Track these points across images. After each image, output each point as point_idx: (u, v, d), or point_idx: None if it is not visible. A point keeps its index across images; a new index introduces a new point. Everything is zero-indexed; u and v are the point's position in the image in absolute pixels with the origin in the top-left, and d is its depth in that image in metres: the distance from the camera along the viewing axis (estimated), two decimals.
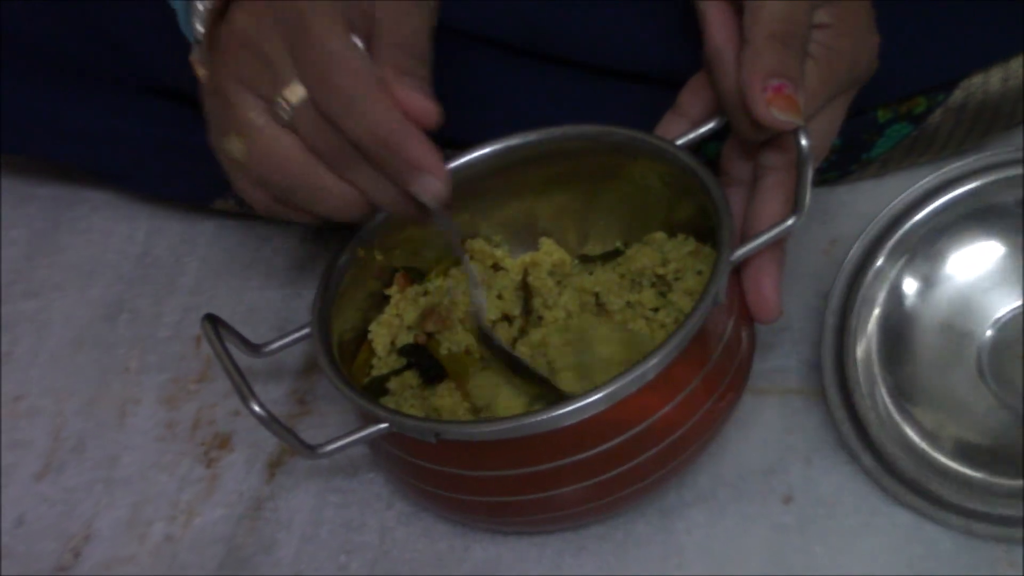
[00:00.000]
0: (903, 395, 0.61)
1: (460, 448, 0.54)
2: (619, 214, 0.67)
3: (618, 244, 0.67)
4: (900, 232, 0.63)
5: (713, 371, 0.55)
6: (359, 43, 0.53)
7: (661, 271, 0.64)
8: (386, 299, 0.66)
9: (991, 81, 0.75)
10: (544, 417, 0.52)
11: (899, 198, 0.63)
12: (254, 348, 0.61)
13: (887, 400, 0.61)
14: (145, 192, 0.84)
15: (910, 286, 0.63)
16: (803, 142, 0.57)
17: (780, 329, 0.66)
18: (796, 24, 0.58)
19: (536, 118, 0.67)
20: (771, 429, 0.63)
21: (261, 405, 0.56)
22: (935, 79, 0.73)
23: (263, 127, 0.54)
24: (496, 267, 0.69)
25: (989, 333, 0.62)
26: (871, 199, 0.73)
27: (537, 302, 0.65)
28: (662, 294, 0.63)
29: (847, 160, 0.76)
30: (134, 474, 0.63)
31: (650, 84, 0.73)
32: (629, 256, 0.65)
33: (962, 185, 0.63)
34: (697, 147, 0.67)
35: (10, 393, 0.70)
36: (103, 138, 0.79)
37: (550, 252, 0.69)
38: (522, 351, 0.63)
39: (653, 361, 0.51)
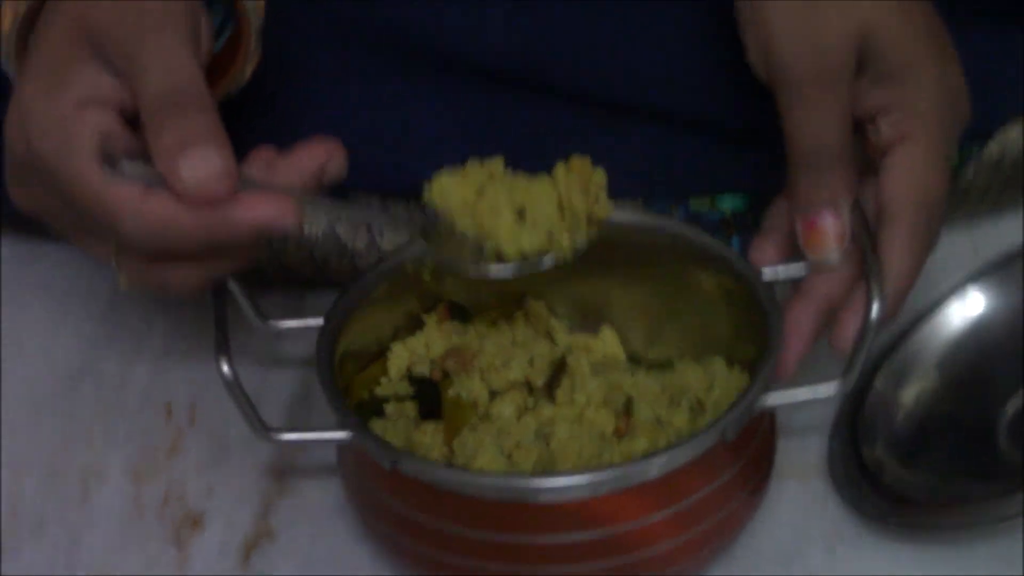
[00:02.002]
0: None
1: (413, 485, 0.56)
2: (691, 326, 0.68)
3: (672, 356, 0.68)
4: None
5: (687, 510, 0.56)
6: (122, 162, 0.54)
7: (703, 396, 0.65)
8: (420, 323, 0.67)
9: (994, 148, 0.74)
10: (504, 484, 0.55)
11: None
12: (258, 314, 0.64)
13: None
14: None
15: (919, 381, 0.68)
16: (873, 309, 0.57)
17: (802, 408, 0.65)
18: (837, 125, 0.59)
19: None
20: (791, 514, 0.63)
21: (231, 366, 0.57)
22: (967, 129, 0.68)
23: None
24: (548, 335, 0.70)
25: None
26: None
27: (564, 382, 0.66)
28: (696, 417, 0.64)
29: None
30: (97, 557, 0.62)
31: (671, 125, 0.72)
32: (678, 370, 0.66)
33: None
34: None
35: None
36: None
37: (606, 343, 0.70)
38: (526, 421, 0.64)
39: (611, 474, 0.54)
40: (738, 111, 0.72)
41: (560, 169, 0.58)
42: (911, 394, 0.67)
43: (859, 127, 0.58)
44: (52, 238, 0.81)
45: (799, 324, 0.60)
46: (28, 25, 0.61)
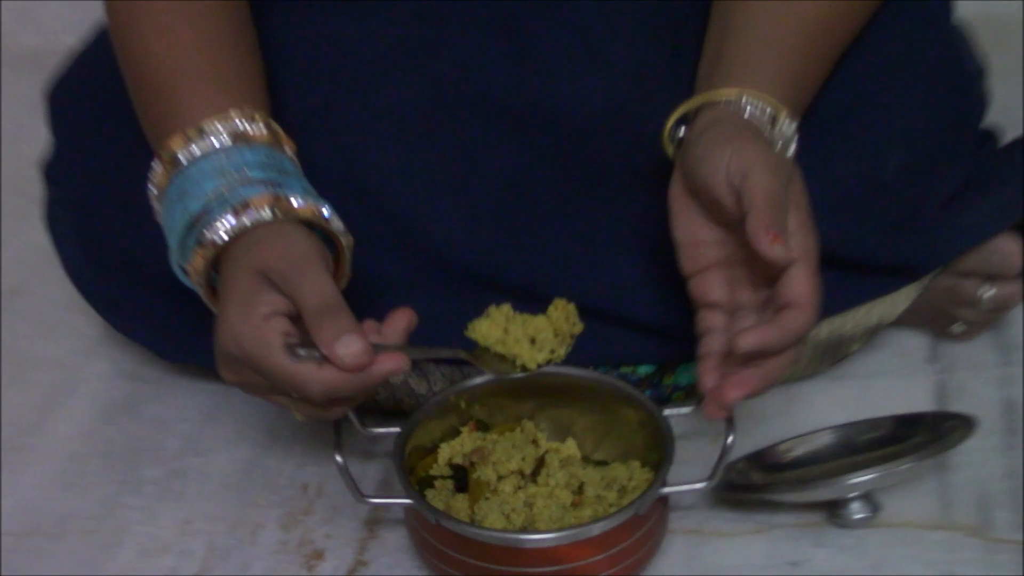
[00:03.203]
0: None
1: (449, 533, 0.75)
2: (620, 441, 0.86)
3: (610, 458, 0.85)
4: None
5: (616, 554, 0.76)
6: (299, 350, 0.69)
7: (626, 484, 0.81)
8: (458, 432, 0.86)
9: (845, 322, 0.91)
10: (504, 536, 0.75)
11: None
12: (363, 426, 0.82)
13: None
14: None
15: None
16: (729, 438, 0.76)
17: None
18: (778, 193, 0.72)
19: None
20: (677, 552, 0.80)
21: (343, 458, 0.76)
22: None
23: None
24: (534, 442, 0.86)
25: None
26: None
27: (542, 473, 0.83)
28: (621, 497, 0.80)
29: None
30: None
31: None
32: (612, 467, 0.83)
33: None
34: (667, 398, 0.90)
35: (180, 519, 0.88)
36: None
37: (569, 448, 0.86)
38: (519, 495, 0.81)
39: (570, 532, 0.75)
40: (660, 316, 0.88)
41: (552, 308, 0.75)
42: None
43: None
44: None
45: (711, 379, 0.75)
46: (213, 266, 0.75)
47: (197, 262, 0.73)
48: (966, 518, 0.83)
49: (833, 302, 0.86)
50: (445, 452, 0.85)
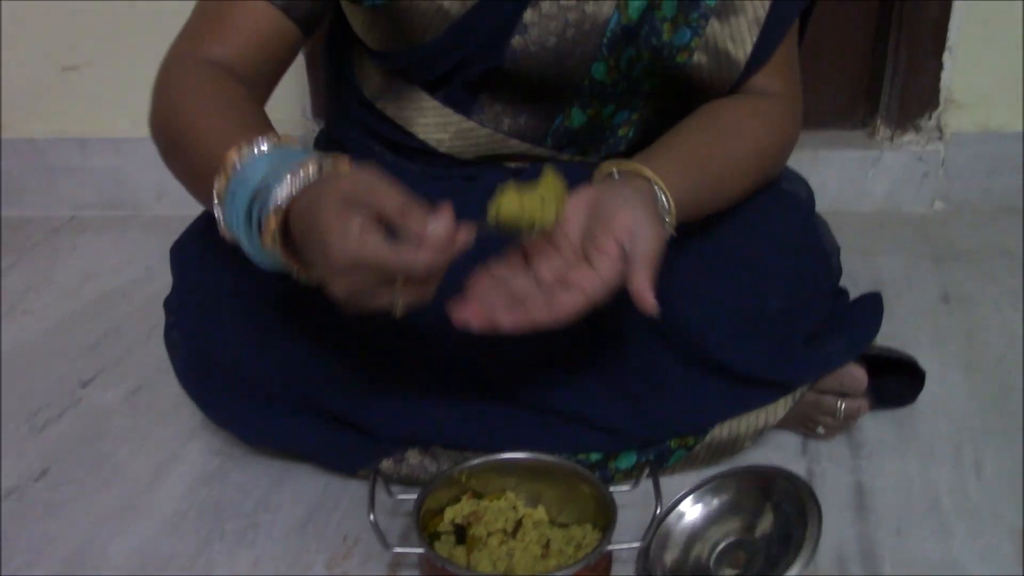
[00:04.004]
0: None
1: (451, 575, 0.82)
2: (577, 508, 0.88)
3: (570, 521, 0.88)
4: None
5: None
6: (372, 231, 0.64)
7: (581, 542, 0.86)
8: (459, 499, 0.89)
9: (739, 425, 0.95)
10: None
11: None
12: (389, 494, 0.86)
13: None
14: (327, 465, 0.99)
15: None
16: (658, 508, 0.82)
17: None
18: (657, 251, 0.76)
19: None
20: None
21: (374, 515, 0.80)
22: (697, 428, 0.94)
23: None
24: (515, 508, 0.88)
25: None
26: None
27: (520, 532, 0.87)
28: (578, 551, 0.85)
29: (658, 465, 0.94)
30: None
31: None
32: (571, 529, 0.87)
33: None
34: (611, 478, 0.91)
35: (252, 559, 0.90)
36: (303, 437, 0.96)
37: (540, 514, 0.89)
38: (503, 548, 0.84)
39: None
40: (607, 417, 0.92)
41: (546, 179, 0.74)
42: (672, 554, 0.85)
43: None
44: (299, 460, 1.00)
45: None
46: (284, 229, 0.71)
47: (270, 225, 0.70)
48: (827, 569, 0.88)
49: (730, 407, 0.94)
50: (449, 514, 0.90)
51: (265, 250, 0.72)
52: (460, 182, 0.98)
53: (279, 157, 0.73)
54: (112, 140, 1.64)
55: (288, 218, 0.70)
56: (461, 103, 0.97)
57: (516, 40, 0.89)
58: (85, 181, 1.68)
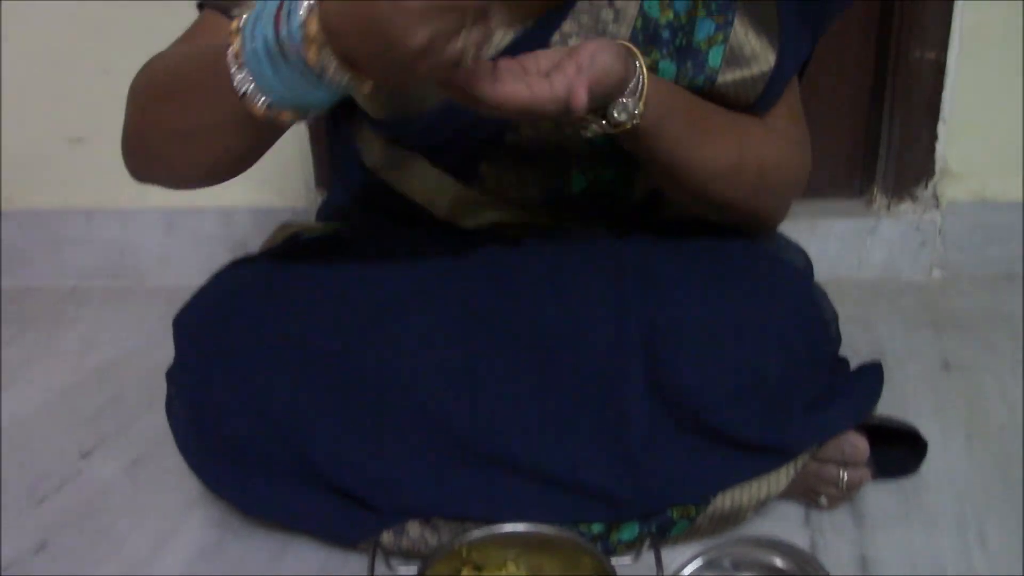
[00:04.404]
0: None
1: None
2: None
3: None
4: None
5: None
6: None
7: None
8: (459, 571, 0.88)
9: (742, 495, 0.95)
10: None
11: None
12: (389, 567, 0.87)
13: None
14: (327, 538, 0.99)
15: None
16: None
17: None
18: (610, 76, 0.77)
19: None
20: None
21: None
22: (699, 496, 0.94)
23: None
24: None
25: None
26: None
27: None
28: None
29: (660, 536, 0.94)
30: None
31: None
32: None
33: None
34: (614, 550, 0.91)
35: None
36: (303, 509, 0.96)
37: None
38: None
39: None
40: (609, 488, 0.91)
41: None
42: None
43: None
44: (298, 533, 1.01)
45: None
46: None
47: (311, 30, 0.65)
48: None
49: (731, 475, 0.94)
50: None
51: (310, 77, 0.67)
52: (460, 251, 0.99)
53: None
54: (117, 211, 1.67)
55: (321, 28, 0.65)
56: (461, 171, 0.99)
57: None
58: (89, 251, 1.70)
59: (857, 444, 0.98)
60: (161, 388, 1.03)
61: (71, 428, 1.26)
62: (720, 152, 0.92)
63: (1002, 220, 1.57)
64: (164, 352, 1.00)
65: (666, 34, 0.91)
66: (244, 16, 0.70)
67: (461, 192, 1.01)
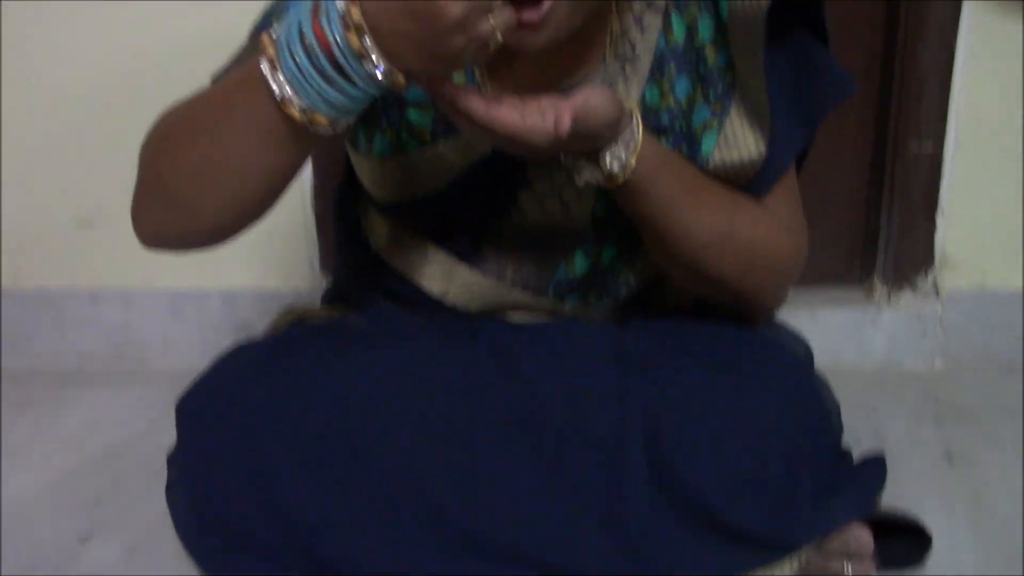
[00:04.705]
0: None
1: None
2: None
3: None
4: None
5: None
6: None
7: None
8: None
9: None
10: None
11: None
12: None
13: None
14: None
15: None
16: None
17: None
18: (599, 115, 0.79)
19: None
20: None
21: None
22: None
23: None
24: None
25: None
26: None
27: None
28: None
29: None
30: None
31: None
32: None
33: None
34: None
35: None
36: None
37: None
38: None
39: None
40: (609, 571, 0.90)
41: None
42: None
43: None
44: None
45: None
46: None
47: (353, 16, 0.69)
48: None
49: (733, 567, 0.93)
50: None
51: (348, 68, 0.71)
52: (463, 337, 1.00)
53: None
54: (123, 293, 1.67)
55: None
56: (466, 254, 1.01)
57: (522, 195, 0.93)
58: (93, 333, 1.70)
59: (861, 537, 0.97)
60: (161, 471, 1.01)
61: (70, 512, 1.25)
62: (710, 220, 0.94)
63: (1003, 310, 1.57)
64: (166, 436, 0.99)
65: (665, 119, 0.95)
66: (275, 26, 0.74)
67: (465, 276, 1.01)
